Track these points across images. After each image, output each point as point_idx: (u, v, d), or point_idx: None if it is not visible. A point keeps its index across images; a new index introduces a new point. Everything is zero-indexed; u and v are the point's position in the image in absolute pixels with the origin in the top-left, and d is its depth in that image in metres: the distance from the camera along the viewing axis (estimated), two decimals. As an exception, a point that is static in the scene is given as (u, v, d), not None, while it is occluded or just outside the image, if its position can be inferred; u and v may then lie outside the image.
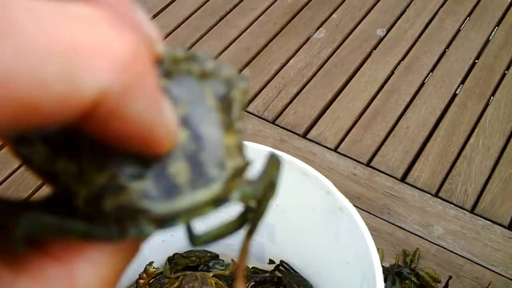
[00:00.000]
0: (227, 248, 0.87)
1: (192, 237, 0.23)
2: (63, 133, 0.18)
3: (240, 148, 0.21)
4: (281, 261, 0.85)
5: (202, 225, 0.23)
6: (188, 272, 0.83)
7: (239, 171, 0.21)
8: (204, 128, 0.20)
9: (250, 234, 0.25)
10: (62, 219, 0.19)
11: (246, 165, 0.21)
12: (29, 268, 0.18)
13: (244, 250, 0.26)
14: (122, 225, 0.19)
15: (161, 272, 0.84)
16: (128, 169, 0.19)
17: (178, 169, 0.19)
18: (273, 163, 0.23)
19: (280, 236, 0.82)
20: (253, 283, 0.84)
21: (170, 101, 0.19)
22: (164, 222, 0.20)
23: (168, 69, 0.21)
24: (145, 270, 0.82)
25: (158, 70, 0.20)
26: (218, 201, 0.20)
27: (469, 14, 1.40)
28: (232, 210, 0.24)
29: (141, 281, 0.82)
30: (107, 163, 0.19)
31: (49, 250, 0.19)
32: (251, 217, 0.24)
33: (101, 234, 0.19)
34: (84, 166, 0.19)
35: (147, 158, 0.19)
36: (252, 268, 0.87)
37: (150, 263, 0.83)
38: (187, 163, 0.19)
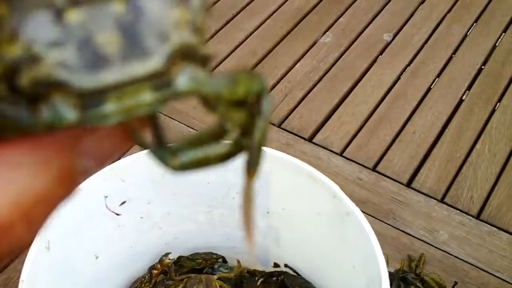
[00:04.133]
0: (232, 251, 0.86)
1: (165, 156, 0.20)
2: None
3: (195, 27, 0.18)
4: (285, 265, 0.85)
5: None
6: (193, 275, 0.83)
7: (189, 50, 0.18)
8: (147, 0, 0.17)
9: (249, 171, 0.22)
10: None
11: (199, 45, 0.18)
12: None
13: (247, 193, 0.23)
14: (35, 106, 0.17)
15: (175, 262, 0.84)
16: (45, 36, 0.16)
17: (108, 39, 0.16)
18: (253, 77, 0.20)
19: (286, 240, 0.82)
20: (261, 279, 0.84)
21: None
22: (87, 102, 0.17)
23: None
24: (160, 261, 0.82)
25: None
26: (158, 82, 0.17)
27: (476, 20, 1.40)
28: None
29: (154, 271, 0.82)
30: (20, 31, 0.16)
31: None
32: (245, 145, 0.21)
33: (8, 116, 0.17)
34: None
35: (70, 27, 0.16)
36: (254, 270, 0.87)
37: (166, 254, 0.83)
38: (120, 33, 0.16)
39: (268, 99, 0.20)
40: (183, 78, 0.17)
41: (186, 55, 0.18)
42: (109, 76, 0.16)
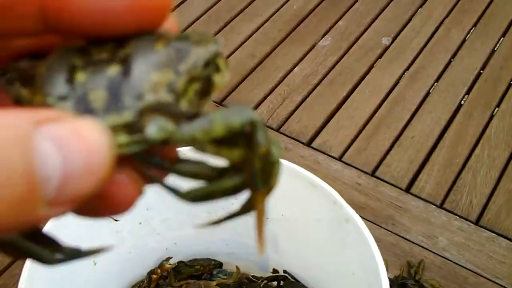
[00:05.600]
0: (231, 257, 0.86)
1: (177, 192, 0.23)
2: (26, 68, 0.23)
3: (172, 88, 0.22)
4: (284, 271, 0.85)
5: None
6: (191, 281, 0.82)
7: (162, 107, 0.21)
8: (136, 65, 0.21)
9: (258, 193, 0.24)
10: None
11: (174, 103, 0.21)
12: None
13: (260, 212, 0.25)
14: None
15: (175, 267, 0.84)
16: (58, 91, 0.21)
17: (97, 96, 0.21)
18: (231, 115, 0.21)
19: (284, 246, 0.82)
20: (265, 281, 0.84)
21: (120, 48, 0.22)
22: None
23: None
24: (161, 266, 0.82)
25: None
26: (131, 131, 0.21)
27: (475, 24, 1.40)
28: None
29: (154, 276, 0.81)
30: (45, 86, 0.21)
31: None
32: (247, 176, 0.23)
33: None
34: (33, 91, 0.22)
35: (76, 85, 0.21)
36: (252, 276, 0.87)
37: (167, 259, 0.82)
38: (107, 92, 0.21)
39: (260, 129, 0.22)
40: (152, 128, 0.21)
41: (158, 109, 0.21)
42: None
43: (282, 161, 0.73)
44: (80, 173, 0.17)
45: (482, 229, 1.01)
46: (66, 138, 0.17)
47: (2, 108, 0.17)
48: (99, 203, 0.21)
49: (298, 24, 1.39)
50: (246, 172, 0.23)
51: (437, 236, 0.99)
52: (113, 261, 0.78)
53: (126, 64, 0.21)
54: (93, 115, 0.21)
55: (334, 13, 1.42)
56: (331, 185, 0.72)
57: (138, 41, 0.22)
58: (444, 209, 1.04)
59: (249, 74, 1.27)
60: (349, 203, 0.70)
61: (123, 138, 0.21)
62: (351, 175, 1.07)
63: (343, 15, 1.41)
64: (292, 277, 0.84)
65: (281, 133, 1.15)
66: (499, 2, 1.45)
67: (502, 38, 1.37)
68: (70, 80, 0.21)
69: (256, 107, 1.19)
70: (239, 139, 0.22)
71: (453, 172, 1.10)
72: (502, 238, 1.00)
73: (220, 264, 0.87)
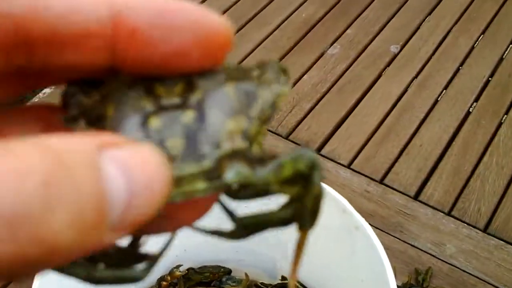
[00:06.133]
0: (240, 264, 0.87)
1: (233, 217, 0.25)
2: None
3: (247, 134, 0.22)
4: (293, 278, 0.85)
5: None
6: (201, 288, 0.83)
7: (238, 153, 0.22)
8: (211, 111, 0.22)
9: (303, 230, 0.25)
10: None
11: (248, 148, 0.22)
12: None
13: (300, 247, 0.26)
14: None
15: (184, 274, 0.84)
16: (133, 136, 0.21)
17: (175, 143, 0.21)
18: (298, 158, 0.23)
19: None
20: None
21: (190, 91, 0.22)
22: None
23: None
24: (171, 273, 0.82)
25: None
26: (209, 175, 0.21)
27: (483, 32, 1.41)
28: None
29: (164, 283, 0.82)
30: (118, 131, 0.22)
31: None
32: (297, 211, 0.24)
33: None
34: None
35: (150, 131, 0.21)
36: (261, 283, 0.87)
37: (178, 266, 0.83)
38: (184, 140, 0.21)
39: (318, 171, 0.23)
40: (230, 174, 0.22)
41: (235, 156, 0.22)
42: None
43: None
44: (142, 197, 0.18)
45: (491, 236, 1.01)
46: (130, 162, 0.18)
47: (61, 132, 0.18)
48: (164, 222, 0.21)
49: (307, 33, 1.40)
50: (297, 208, 0.24)
51: (445, 244, 0.99)
52: (124, 268, 0.79)
53: (200, 110, 0.22)
54: (172, 161, 0.21)
55: (343, 22, 1.42)
56: (340, 193, 0.72)
57: (206, 81, 0.23)
58: (453, 216, 1.04)
59: (258, 82, 1.27)
60: (357, 211, 0.71)
61: (202, 185, 0.21)
62: (360, 183, 1.08)
63: (352, 23, 1.42)
64: (301, 284, 0.84)
65: (290, 140, 1.16)
66: (507, 10, 1.45)
67: (510, 45, 1.38)
68: (144, 125, 0.22)
69: (265, 114, 1.20)
70: (298, 177, 0.23)
71: (462, 179, 1.10)
72: (511, 246, 1.00)
73: (229, 271, 0.87)
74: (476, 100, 1.26)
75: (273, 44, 1.36)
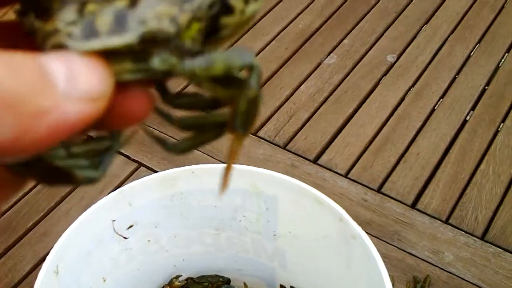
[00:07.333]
0: (238, 273, 0.87)
1: (171, 119, 0.26)
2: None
3: (175, 20, 0.23)
4: (291, 287, 0.86)
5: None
6: (200, 297, 0.83)
7: (163, 36, 0.23)
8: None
9: (235, 135, 0.25)
10: None
11: (175, 35, 0.23)
12: None
13: (231, 155, 0.26)
14: None
15: (184, 285, 0.84)
16: (68, 18, 0.23)
17: (104, 20, 0.22)
18: (233, 56, 0.23)
19: (292, 263, 0.83)
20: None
21: None
22: None
23: None
24: (170, 283, 0.83)
25: None
26: (136, 56, 0.23)
27: (479, 41, 1.41)
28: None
29: None
30: (56, 14, 0.23)
31: None
32: (231, 114, 0.25)
33: None
34: (46, 22, 0.23)
35: (85, 14, 0.23)
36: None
37: (177, 277, 0.83)
38: (113, 17, 0.22)
39: (256, 73, 0.24)
40: (156, 60, 0.23)
41: (161, 41, 0.22)
42: (95, 43, 0.22)
43: (289, 178, 0.73)
44: (82, 74, 0.21)
45: (488, 244, 1.01)
46: (67, 54, 0.21)
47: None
48: (112, 116, 0.23)
49: (304, 43, 1.41)
50: (230, 112, 0.25)
51: (443, 252, 1.00)
52: (122, 278, 0.80)
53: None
54: (97, 37, 0.22)
55: (340, 32, 1.43)
56: (337, 202, 0.73)
57: None
58: (450, 224, 1.04)
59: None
60: (355, 219, 0.71)
61: (128, 65, 0.23)
62: (357, 192, 1.08)
63: (348, 33, 1.43)
64: (299, 293, 0.85)
65: (287, 150, 1.16)
66: (503, 19, 1.46)
67: (507, 54, 1.38)
68: (81, 10, 0.23)
69: (263, 124, 1.20)
70: (234, 81, 0.24)
71: (459, 188, 1.10)
72: (509, 253, 1.00)
73: (228, 281, 0.88)
74: (473, 108, 1.26)
75: (271, 54, 1.37)
